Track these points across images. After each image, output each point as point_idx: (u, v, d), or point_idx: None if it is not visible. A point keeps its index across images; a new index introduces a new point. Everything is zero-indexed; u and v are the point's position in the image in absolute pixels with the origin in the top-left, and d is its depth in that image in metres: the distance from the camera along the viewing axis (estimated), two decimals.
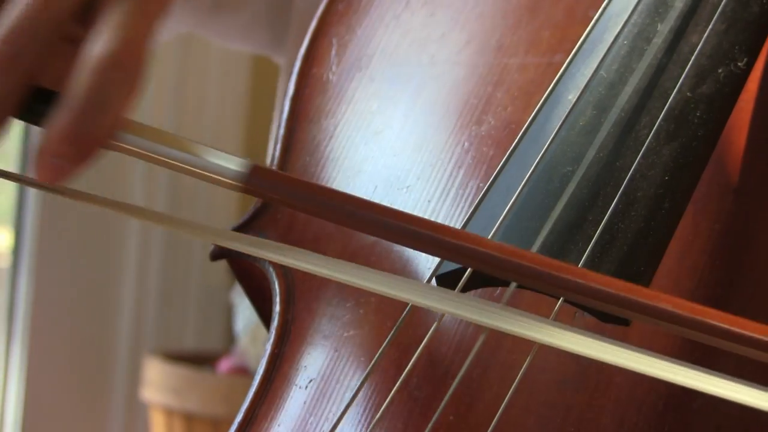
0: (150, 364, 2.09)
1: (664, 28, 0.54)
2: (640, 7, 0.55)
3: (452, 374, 0.50)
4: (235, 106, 2.53)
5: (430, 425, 0.48)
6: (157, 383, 2.06)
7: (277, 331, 0.55)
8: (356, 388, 0.49)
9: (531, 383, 0.49)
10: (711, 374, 0.41)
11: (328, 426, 0.50)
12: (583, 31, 0.55)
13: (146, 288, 2.34)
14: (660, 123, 0.51)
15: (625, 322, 0.48)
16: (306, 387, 0.53)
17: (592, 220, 0.49)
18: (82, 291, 2.26)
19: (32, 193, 2.14)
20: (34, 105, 0.44)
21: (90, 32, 0.45)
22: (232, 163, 0.43)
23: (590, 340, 0.43)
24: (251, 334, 2.14)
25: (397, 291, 0.44)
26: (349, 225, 0.44)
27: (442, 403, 0.49)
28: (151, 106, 2.34)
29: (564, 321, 0.49)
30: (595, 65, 0.53)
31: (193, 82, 2.41)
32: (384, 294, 0.44)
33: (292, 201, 0.44)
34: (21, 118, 0.45)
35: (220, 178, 0.44)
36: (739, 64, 0.53)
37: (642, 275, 0.48)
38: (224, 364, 2.14)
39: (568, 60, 0.54)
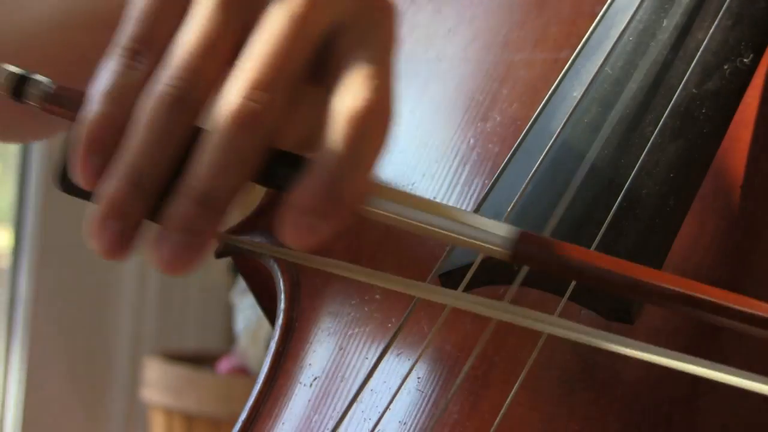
0: (150, 364, 2.09)
1: (670, 24, 0.54)
2: (645, 3, 0.55)
3: (457, 371, 0.50)
4: None
5: (434, 422, 0.48)
6: (157, 383, 2.06)
7: (281, 328, 0.55)
8: (360, 385, 0.49)
9: (536, 381, 0.49)
10: (720, 367, 0.41)
11: (333, 424, 0.49)
12: (590, 27, 0.55)
13: (146, 288, 2.34)
14: (665, 120, 0.51)
15: (629, 321, 0.48)
16: (310, 385, 0.52)
17: (596, 218, 0.49)
18: (82, 291, 2.26)
19: (32, 193, 2.14)
20: (277, 169, 0.41)
21: (334, 85, 0.41)
22: (498, 230, 0.41)
23: (597, 331, 0.42)
24: (251, 334, 2.13)
25: (405, 288, 0.44)
26: (624, 295, 0.42)
27: (447, 400, 0.48)
28: None
29: (569, 318, 0.49)
30: (600, 61, 0.53)
31: None
32: (393, 288, 0.44)
33: (559, 268, 0.41)
34: (260, 182, 0.41)
35: (483, 245, 0.41)
36: (744, 60, 0.53)
37: None
38: (224, 364, 2.14)
39: (573, 56, 0.54)
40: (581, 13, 0.59)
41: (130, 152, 0.40)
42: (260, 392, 0.54)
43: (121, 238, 0.40)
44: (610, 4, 0.56)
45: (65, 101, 0.43)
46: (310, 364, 0.53)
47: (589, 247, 0.48)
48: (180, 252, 0.39)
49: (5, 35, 0.64)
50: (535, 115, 0.52)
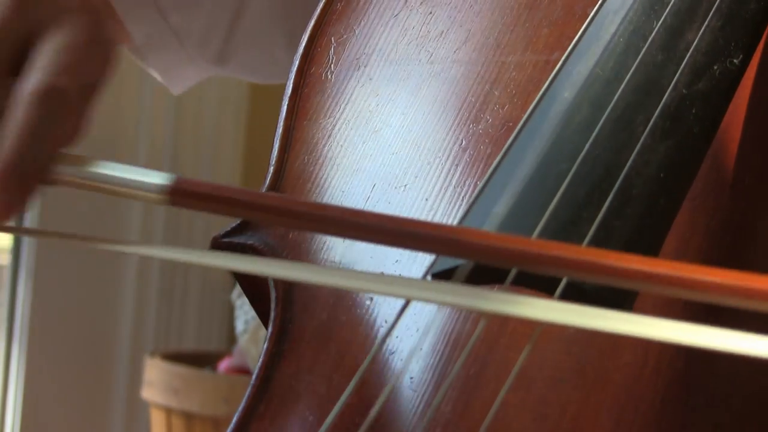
0: (150, 364, 2.09)
1: (660, 26, 0.54)
2: (636, 5, 0.55)
3: (448, 371, 0.50)
4: (235, 120, 2.53)
5: (425, 422, 0.48)
6: (157, 383, 2.06)
7: (275, 330, 0.55)
8: (352, 385, 0.49)
9: (527, 380, 0.49)
10: (719, 330, 0.40)
11: (327, 424, 0.50)
12: (581, 29, 0.55)
13: (146, 288, 2.34)
14: (655, 120, 0.51)
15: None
16: (305, 387, 0.53)
17: (587, 218, 0.49)
18: (82, 291, 2.26)
19: None
20: None
21: (21, 73, 0.49)
22: (155, 178, 0.45)
23: (593, 310, 0.42)
24: (251, 334, 2.13)
25: (395, 288, 0.44)
26: (309, 229, 0.45)
27: (437, 400, 0.49)
28: (150, 120, 2.34)
29: None
30: (591, 63, 0.53)
31: (191, 104, 2.41)
32: (380, 293, 0.44)
33: (217, 208, 0.45)
34: None
35: (142, 193, 0.46)
36: (734, 60, 0.53)
37: None
38: (224, 364, 2.14)
39: (564, 57, 0.54)
40: (572, 15, 0.60)
41: None
42: (254, 393, 0.54)
43: None
44: (601, 6, 0.56)
45: None
46: (304, 366, 0.53)
47: (579, 245, 0.48)
48: None
49: None
50: (526, 116, 0.53)
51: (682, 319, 0.42)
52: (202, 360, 2.18)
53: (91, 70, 0.52)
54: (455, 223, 0.53)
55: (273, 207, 0.44)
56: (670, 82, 0.52)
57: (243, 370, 2.12)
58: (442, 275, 0.50)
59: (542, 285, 0.49)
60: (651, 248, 0.49)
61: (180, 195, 0.45)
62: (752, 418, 0.48)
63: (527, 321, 0.49)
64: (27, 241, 2.17)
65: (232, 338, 2.28)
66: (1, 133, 0.47)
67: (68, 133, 0.50)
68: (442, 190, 0.57)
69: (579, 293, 0.48)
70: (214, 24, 0.87)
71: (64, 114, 0.49)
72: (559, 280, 0.48)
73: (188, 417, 2.03)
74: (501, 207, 0.50)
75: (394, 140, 0.60)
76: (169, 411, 2.05)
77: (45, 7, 0.52)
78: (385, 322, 0.53)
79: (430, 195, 0.57)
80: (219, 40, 0.87)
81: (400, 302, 0.49)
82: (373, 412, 0.48)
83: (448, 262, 0.49)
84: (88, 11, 0.54)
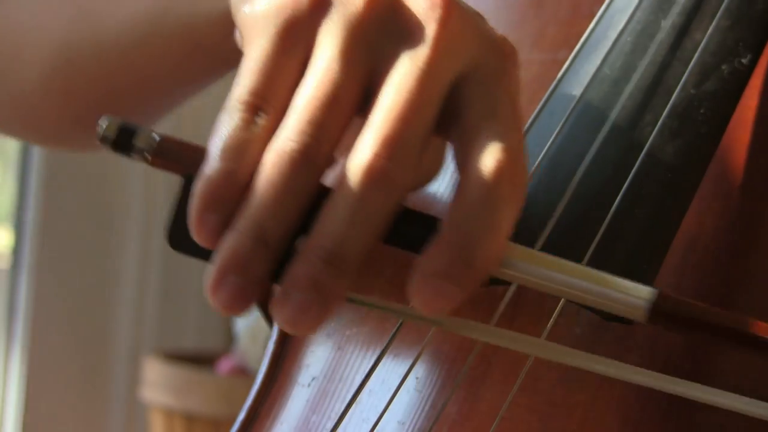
0: (150, 364, 2.09)
1: (668, 25, 0.54)
2: (643, 4, 0.55)
3: (455, 372, 0.50)
4: None
5: (433, 423, 0.48)
6: (157, 383, 2.06)
7: (279, 329, 0.55)
8: (359, 386, 0.49)
9: (534, 381, 0.49)
10: (709, 390, 0.41)
11: (332, 424, 0.49)
12: (588, 28, 0.55)
13: (146, 288, 2.34)
14: (663, 120, 0.51)
15: (628, 322, 0.48)
16: (309, 385, 0.52)
17: (595, 218, 0.49)
18: (82, 291, 2.26)
19: (32, 193, 2.14)
20: (406, 228, 0.40)
21: (463, 141, 0.40)
22: (639, 293, 0.40)
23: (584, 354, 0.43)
24: (251, 334, 2.13)
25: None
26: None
27: (445, 401, 0.48)
28: None
29: (568, 318, 0.49)
30: (598, 62, 0.53)
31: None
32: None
33: (698, 332, 0.41)
34: (390, 242, 0.40)
35: (623, 307, 0.41)
36: (743, 60, 0.53)
37: (645, 273, 0.48)
38: (224, 364, 2.14)
39: (571, 57, 0.54)
40: (579, 13, 0.59)
41: (255, 208, 0.38)
42: (259, 393, 0.54)
43: (242, 294, 0.39)
44: (609, 5, 0.56)
45: (173, 155, 0.41)
46: (308, 365, 0.53)
47: (587, 248, 0.48)
48: (305, 312, 0.38)
49: (86, 38, 0.63)
50: (533, 116, 0.52)
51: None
52: (202, 360, 2.18)
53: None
54: None
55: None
56: (678, 82, 0.52)
57: (243, 370, 2.12)
58: None
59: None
60: (659, 249, 0.49)
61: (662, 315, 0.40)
62: (758, 419, 0.48)
63: (532, 324, 0.49)
64: (27, 241, 2.17)
65: (232, 338, 2.28)
66: (457, 211, 0.39)
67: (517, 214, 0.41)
68: (447, 191, 0.57)
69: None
70: None
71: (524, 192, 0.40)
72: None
73: (188, 417, 2.03)
74: None
75: None
76: (168, 411, 2.05)
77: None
78: (391, 321, 0.53)
79: (436, 196, 0.56)
80: None
81: None
82: (381, 414, 0.48)
83: None
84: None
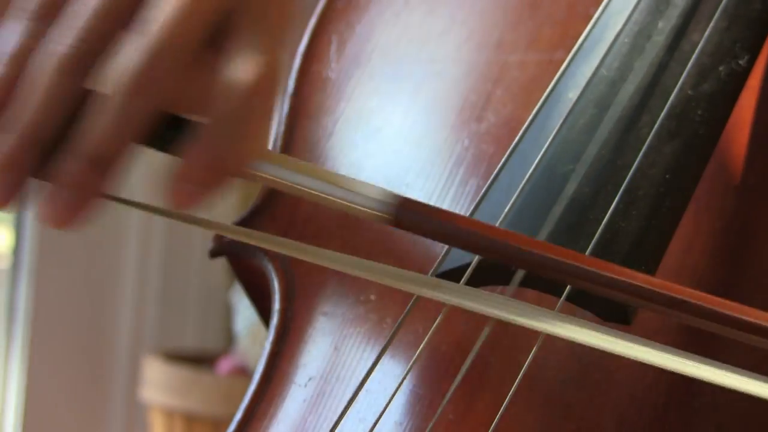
0: (150, 364, 2.09)
1: (665, 26, 0.54)
2: (641, 5, 0.55)
3: (453, 372, 0.50)
4: None
5: (431, 423, 0.48)
6: (157, 383, 2.06)
7: (276, 329, 0.55)
8: (357, 386, 0.49)
9: (532, 381, 0.49)
10: (713, 364, 0.41)
11: (328, 424, 0.49)
12: (584, 28, 0.55)
13: (146, 288, 2.34)
14: (661, 121, 0.51)
15: (626, 321, 0.48)
16: (305, 385, 0.52)
17: (593, 219, 0.49)
18: (82, 291, 2.26)
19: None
20: (165, 132, 0.42)
21: (226, 57, 0.43)
22: (379, 195, 0.42)
23: (595, 331, 0.43)
24: (251, 334, 2.13)
25: (404, 283, 0.45)
26: (497, 257, 0.43)
27: (444, 401, 0.48)
28: None
29: None
30: (596, 63, 0.53)
31: None
32: (392, 285, 0.44)
33: (438, 234, 0.43)
34: (149, 144, 0.43)
35: (365, 209, 0.43)
36: (740, 61, 0.53)
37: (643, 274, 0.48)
38: (224, 364, 2.14)
39: (569, 58, 0.54)
40: (575, 14, 0.59)
41: (24, 109, 0.41)
42: (255, 393, 0.54)
43: (10, 189, 0.41)
44: (606, 7, 0.56)
45: None
46: (305, 365, 0.53)
47: (586, 248, 0.48)
48: (66, 208, 0.41)
49: None
50: (531, 117, 0.52)
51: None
52: (202, 360, 2.18)
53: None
54: None
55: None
56: (676, 83, 0.52)
57: (243, 370, 2.12)
58: (449, 274, 0.49)
59: (548, 288, 0.49)
60: (656, 249, 0.49)
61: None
62: (755, 420, 0.48)
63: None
64: (27, 241, 2.17)
65: (231, 338, 2.28)
66: (212, 119, 0.42)
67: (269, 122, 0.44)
68: (445, 190, 0.57)
69: (585, 298, 0.48)
70: None
71: (274, 102, 0.44)
72: (564, 286, 0.47)
73: (188, 417, 2.03)
74: (507, 208, 0.50)
75: (396, 139, 0.60)
76: (168, 411, 2.05)
77: None
78: (389, 321, 0.53)
79: (432, 194, 0.57)
80: None
81: (405, 300, 0.49)
82: (379, 414, 0.48)
83: (456, 261, 0.49)
84: None
